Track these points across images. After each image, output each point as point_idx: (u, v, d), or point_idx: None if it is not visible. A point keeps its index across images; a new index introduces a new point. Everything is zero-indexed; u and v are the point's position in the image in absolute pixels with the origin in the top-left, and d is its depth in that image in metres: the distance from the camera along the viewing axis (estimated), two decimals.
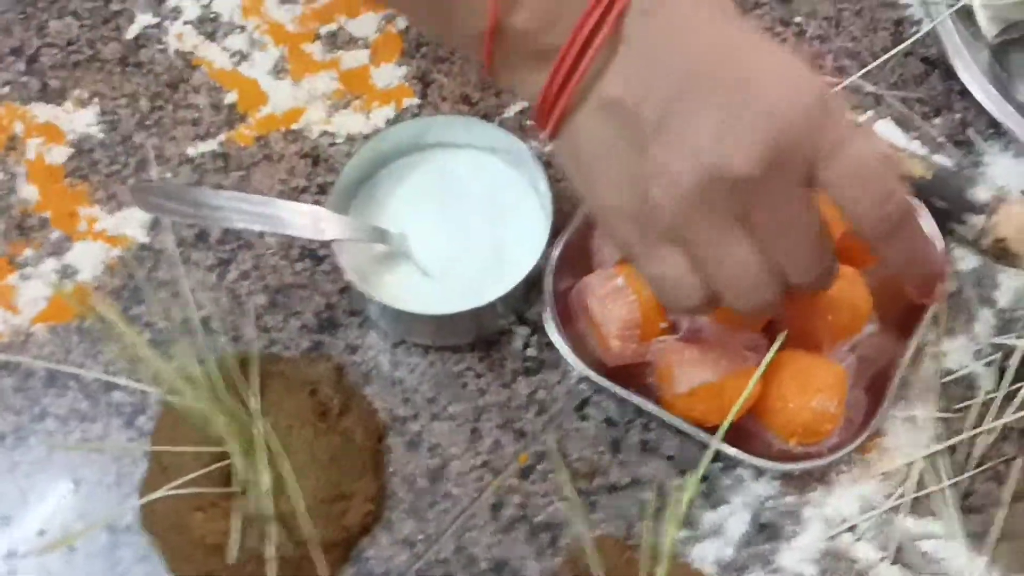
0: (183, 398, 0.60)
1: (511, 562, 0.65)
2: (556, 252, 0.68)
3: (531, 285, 0.68)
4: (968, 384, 0.68)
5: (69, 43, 0.81)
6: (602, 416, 0.68)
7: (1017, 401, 0.65)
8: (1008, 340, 0.67)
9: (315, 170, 0.76)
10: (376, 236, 0.69)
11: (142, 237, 0.74)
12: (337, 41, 0.80)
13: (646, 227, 0.53)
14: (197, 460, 0.63)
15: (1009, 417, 0.65)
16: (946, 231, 0.71)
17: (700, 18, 0.51)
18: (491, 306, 0.67)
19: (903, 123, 0.76)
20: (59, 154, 0.77)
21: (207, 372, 0.63)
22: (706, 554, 0.64)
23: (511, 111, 0.77)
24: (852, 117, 0.53)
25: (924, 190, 0.70)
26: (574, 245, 0.69)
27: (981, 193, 0.70)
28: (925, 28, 0.78)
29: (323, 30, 0.81)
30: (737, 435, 0.64)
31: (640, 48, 0.50)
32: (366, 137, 0.77)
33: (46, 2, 0.82)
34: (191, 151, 0.77)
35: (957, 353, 0.69)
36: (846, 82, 0.77)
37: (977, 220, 0.70)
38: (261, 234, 0.73)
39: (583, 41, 0.51)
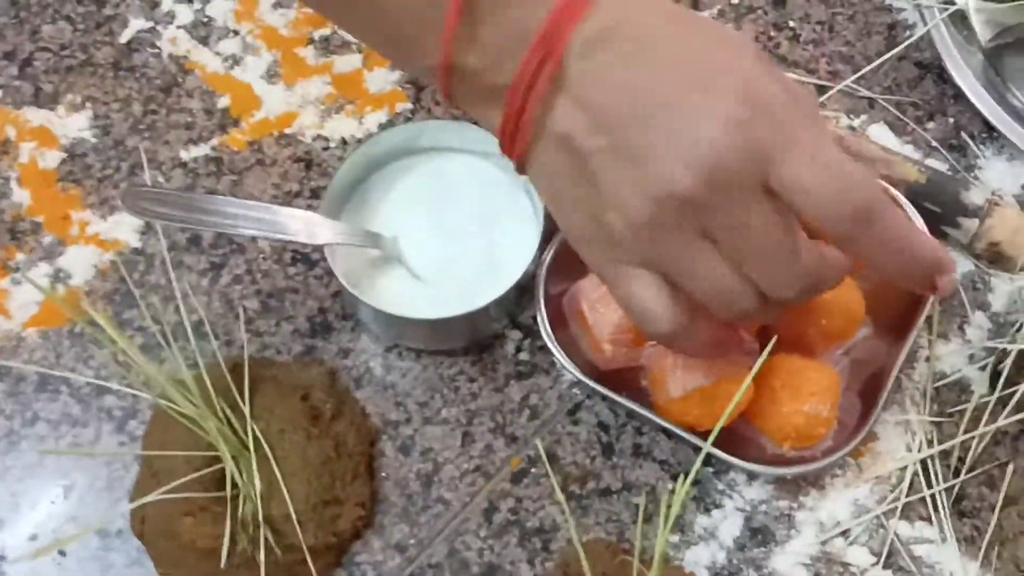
0: (175, 403, 0.60)
1: (503, 567, 0.64)
2: (548, 256, 0.68)
3: (524, 289, 0.68)
4: (961, 388, 0.68)
5: (62, 47, 0.81)
6: (595, 420, 0.68)
7: (1011, 406, 0.65)
8: (1001, 344, 0.67)
9: (308, 174, 0.76)
10: (369, 240, 0.69)
11: (135, 241, 0.74)
12: (330, 45, 0.80)
13: (611, 253, 0.53)
14: (188, 465, 0.63)
15: (1002, 422, 0.65)
16: (940, 235, 0.71)
17: (642, 44, 0.51)
18: (484, 310, 0.66)
19: (897, 127, 0.76)
20: (52, 158, 0.77)
21: (199, 377, 0.63)
22: (699, 558, 0.64)
23: None
24: (810, 114, 0.51)
25: (918, 194, 0.70)
26: (566, 249, 0.68)
27: (975, 197, 0.70)
28: (919, 32, 0.78)
29: (316, 34, 0.81)
30: (730, 439, 0.64)
31: (582, 83, 0.51)
32: (359, 141, 0.77)
33: (39, 6, 0.82)
34: (184, 155, 0.77)
35: (951, 357, 0.69)
36: (840, 86, 0.77)
37: (971, 224, 0.70)
38: (254, 238, 0.73)
39: (528, 80, 0.51)
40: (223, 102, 0.79)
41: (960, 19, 0.78)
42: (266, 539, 0.62)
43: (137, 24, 0.81)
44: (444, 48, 0.52)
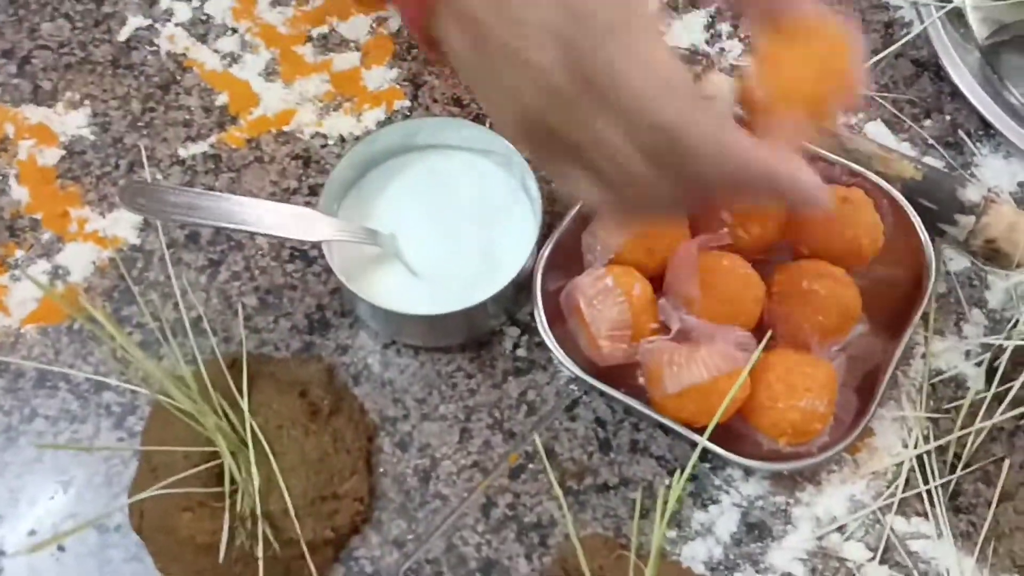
0: (173, 399, 0.60)
1: (501, 562, 0.65)
2: (546, 253, 0.68)
3: (521, 286, 0.68)
4: (957, 384, 0.68)
5: (61, 45, 0.81)
6: (592, 416, 0.68)
7: (1006, 402, 0.65)
8: (997, 340, 0.67)
9: (306, 171, 0.76)
10: (367, 237, 0.69)
11: (133, 238, 0.74)
12: (328, 43, 0.81)
13: (519, 134, 0.53)
14: (187, 460, 0.63)
15: (998, 418, 0.65)
16: (936, 232, 0.71)
17: None
18: (481, 307, 0.67)
19: (894, 125, 0.77)
20: (51, 156, 0.77)
21: (197, 373, 0.63)
22: (696, 553, 0.65)
23: None
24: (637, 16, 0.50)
25: (914, 191, 0.70)
26: (564, 246, 0.69)
27: (971, 194, 0.71)
28: (916, 30, 0.78)
29: (315, 32, 0.81)
30: (727, 436, 0.64)
31: None
32: (357, 138, 0.77)
33: (38, 4, 0.82)
34: (182, 152, 0.77)
35: (947, 354, 0.69)
36: None
37: (967, 221, 0.70)
38: (252, 235, 0.73)
39: None
40: (221, 100, 0.79)
41: (957, 17, 0.78)
42: (264, 534, 0.62)
43: (135, 22, 0.82)
44: None
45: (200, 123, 0.78)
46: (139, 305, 0.71)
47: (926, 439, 0.66)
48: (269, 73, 0.80)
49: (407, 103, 0.78)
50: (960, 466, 0.66)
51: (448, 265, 0.70)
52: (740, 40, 0.79)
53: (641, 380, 0.67)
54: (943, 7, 0.77)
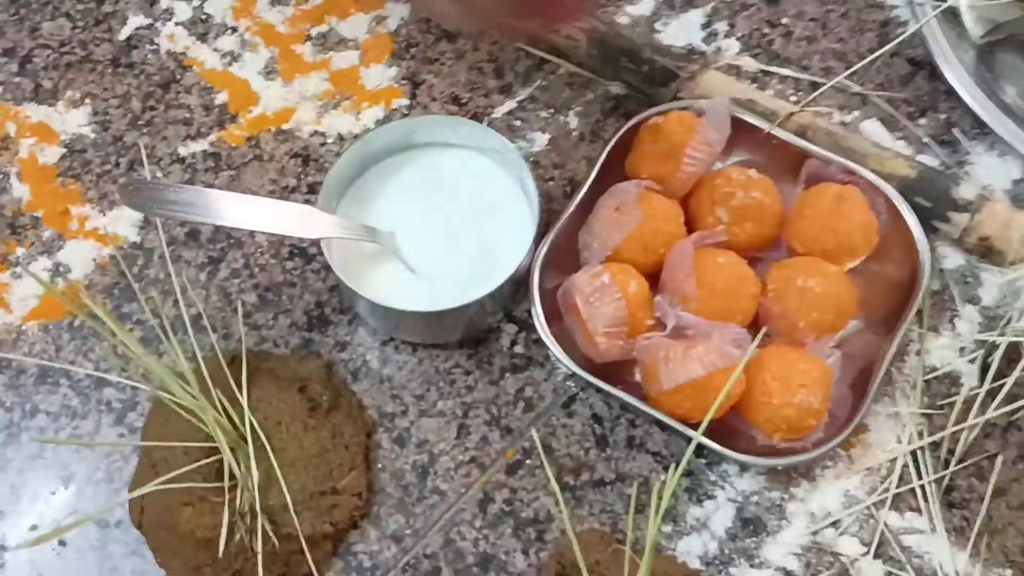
0: (174, 395, 0.61)
1: (498, 556, 0.65)
2: (543, 250, 0.69)
3: (518, 283, 0.69)
4: (952, 381, 0.69)
5: (62, 44, 0.81)
6: (589, 412, 0.69)
7: (999, 398, 0.65)
8: (991, 337, 0.68)
9: (305, 169, 0.77)
10: (365, 234, 0.69)
11: (133, 236, 0.75)
12: (328, 42, 0.81)
13: None
14: (187, 456, 0.63)
15: (991, 414, 0.65)
16: (930, 229, 0.71)
17: None
18: (479, 303, 0.67)
19: (889, 123, 0.77)
20: (51, 154, 0.78)
21: (197, 369, 0.64)
22: (691, 548, 0.65)
23: (500, 111, 0.78)
24: None
25: (908, 189, 0.71)
26: (561, 243, 0.70)
27: (965, 192, 0.71)
28: (911, 29, 0.79)
29: (314, 31, 0.82)
30: (723, 431, 0.65)
31: None
32: (356, 137, 0.78)
33: (39, 4, 0.83)
34: (182, 151, 0.77)
35: (941, 350, 0.70)
36: (832, 82, 0.77)
37: (961, 219, 0.71)
38: (251, 233, 0.74)
39: None
40: (221, 98, 0.79)
41: (952, 16, 0.79)
42: (263, 529, 0.62)
43: (136, 21, 0.82)
44: None
45: (200, 121, 0.79)
46: (139, 302, 0.72)
47: (920, 435, 0.67)
48: (268, 72, 0.80)
49: (406, 101, 0.79)
50: (954, 462, 0.66)
51: (446, 262, 0.70)
52: (737, 39, 0.80)
53: (638, 377, 0.68)
54: (939, 6, 0.77)
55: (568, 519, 0.58)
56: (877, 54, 0.79)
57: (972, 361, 0.69)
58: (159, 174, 0.77)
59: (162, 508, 0.64)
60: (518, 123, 0.78)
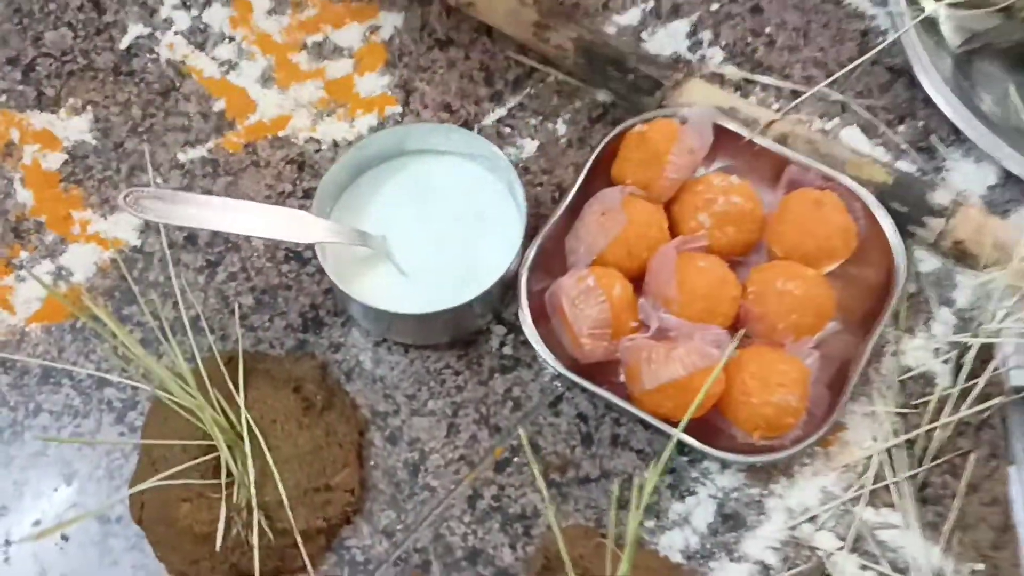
0: (173, 394, 0.63)
1: (486, 551, 0.67)
2: (531, 254, 0.71)
3: (507, 286, 0.71)
4: (926, 381, 0.71)
5: (64, 53, 0.83)
6: (575, 412, 0.71)
7: (972, 397, 0.68)
8: (964, 338, 0.70)
9: (301, 175, 0.79)
10: (358, 239, 0.71)
11: (134, 240, 0.77)
12: (323, 51, 0.83)
13: None
14: (185, 453, 0.65)
15: (964, 412, 0.68)
16: (907, 234, 0.73)
17: None
18: (468, 306, 0.69)
19: (868, 130, 0.79)
20: (54, 160, 0.80)
21: (196, 369, 0.66)
22: (673, 542, 0.67)
23: (490, 118, 0.80)
24: None
25: (885, 195, 0.73)
26: (548, 247, 0.72)
27: (940, 197, 0.73)
28: (890, 38, 0.81)
29: (309, 40, 0.84)
30: (705, 430, 0.67)
31: None
32: (350, 143, 0.80)
33: (42, 13, 0.85)
34: (181, 157, 0.80)
35: (917, 351, 0.72)
36: (813, 90, 0.79)
37: (936, 223, 0.73)
38: (248, 237, 0.76)
39: None
40: (219, 106, 0.81)
41: (931, 25, 0.81)
42: (259, 524, 0.64)
43: (136, 30, 0.84)
44: None
45: (198, 128, 0.81)
46: (139, 304, 0.74)
47: (895, 433, 0.69)
48: (265, 80, 0.82)
49: (398, 109, 0.81)
50: (928, 459, 0.68)
51: (437, 266, 0.72)
52: (721, 48, 0.82)
53: (623, 377, 0.70)
54: (917, 16, 0.79)
55: (552, 515, 0.61)
56: (857, 63, 0.81)
57: (946, 362, 0.71)
58: (159, 180, 0.79)
59: (161, 504, 0.66)
60: (508, 130, 0.80)
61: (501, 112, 0.80)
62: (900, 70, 0.81)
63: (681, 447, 0.68)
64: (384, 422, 0.71)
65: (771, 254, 0.73)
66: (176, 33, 0.84)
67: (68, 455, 0.71)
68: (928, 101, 0.78)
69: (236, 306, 0.74)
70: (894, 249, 0.71)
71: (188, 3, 0.85)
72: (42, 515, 0.69)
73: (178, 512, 0.65)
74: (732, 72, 0.81)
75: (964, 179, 0.77)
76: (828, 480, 0.69)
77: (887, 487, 0.68)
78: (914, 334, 0.72)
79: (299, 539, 0.65)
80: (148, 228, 0.77)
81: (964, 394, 0.68)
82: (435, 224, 0.73)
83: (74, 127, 0.81)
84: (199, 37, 0.84)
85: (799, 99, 0.79)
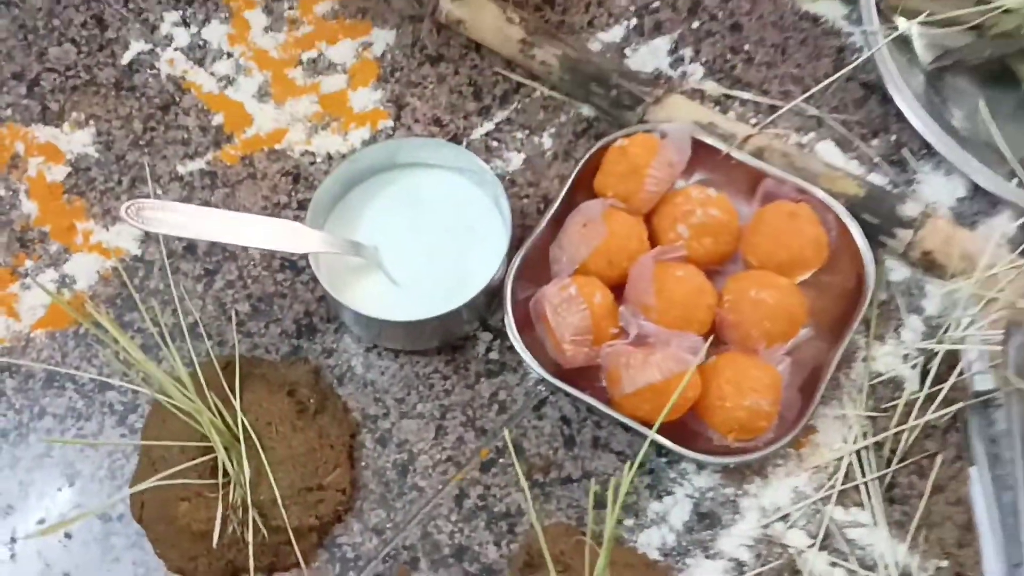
0: (172, 398, 0.65)
1: (472, 548, 0.70)
2: (516, 263, 0.74)
3: (493, 294, 0.74)
4: (895, 385, 0.74)
5: (67, 68, 0.86)
6: (558, 415, 0.74)
7: (938, 401, 0.70)
8: (931, 345, 0.73)
9: (296, 187, 0.82)
10: (350, 249, 0.74)
11: (135, 249, 0.80)
12: (317, 67, 0.86)
13: None
14: (184, 454, 0.68)
15: (930, 415, 0.70)
16: (878, 244, 0.76)
17: None
18: (456, 313, 0.72)
19: (843, 144, 0.82)
20: (58, 172, 0.83)
21: (194, 374, 0.69)
22: (651, 540, 0.70)
23: (478, 132, 0.83)
24: None
25: (857, 207, 0.76)
26: (533, 257, 0.75)
27: (909, 210, 0.76)
28: (865, 55, 0.83)
29: (304, 56, 0.86)
30: (682, 432, 0.70)
31: None
32: (343, 156, 0.82)
33: (46, 29, 0.88)
34: (181, 169, 0.82)
35: (886, 357, 0.75)
36: (790, 105, 0.82)
37: (906, 234, 0.76)
38: (245, 247, 0.79)
39: None
40: (217, 119, 0.84)
41: (904, 43, 0.83)
42: (254, 522, 0.67)
43: (137, 46, 0.87)
44: None
45: (197, 142, 0.84)
46: (140, 311, 0.76)
47: (865, 436, 0.72)
48: (262, 95, 0.85)
49: (390, 123, 0.84)
50: (896, 460, 0.71)
51: (426, 275, 0.75)
52: (701, 64, 0.85)
53: (603, 381, 0.72)
54: (891, 34, 0.82)
55: (534, 513, 0.63)
56: (832, 79, 0.84)
57: (914, 367, 0.74)
58: (159, 191, 0.82)
59: (161, 503, 0.69)
60: (495, 143, 0.83)
61: (489, 126, 0.83)
62: (874, 86, 0.83)
63: (660, 449, 0.71)
64: (375, 424, 0.74)
65: (747, 264, 0.75)
66: (176, 49, 0.87)
67: (71, 456, 0.74)
68: (900, 116, 0.81)
69: (233, 313, 0.77)
70: (864, 259, 0.73)
71: (188, 20, 0.88)
72: (46, 513, 0.72)
73: (177, 511, 0.68)
74: (712, 88, 0.84)
75: (934, 191, 0.80)
76: (800, 480, 0.71)
77: (856, 487, 0.71)
78: (884, 340, 0.75)
79: (292, 536, 0.68)
80: (148, 238, 0.80)
81: (930, 398, 0.71)
82: (425, 235, 0.76)
83: (77, 140, 0.84)
84: (198, 53, 0.87)
85: (776, 114, 0.82)
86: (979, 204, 0.79)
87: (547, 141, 0.83)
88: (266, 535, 0.68)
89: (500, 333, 0.76)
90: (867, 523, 0.70)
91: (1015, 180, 0.77)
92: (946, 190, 0.80)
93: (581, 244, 0.74)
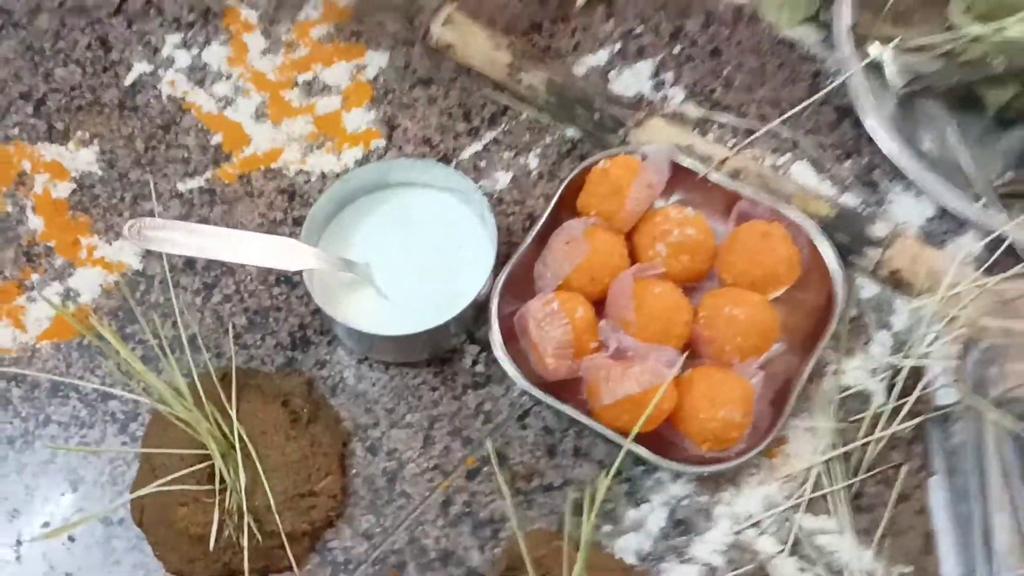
0: (171, 407, 0.68)
1: (457, 552, 0.73)
2: (501, 279, 0.77)
3: (479, 309, 0.77)
4: (864, 399, 0.77)
5: (72, 89, 0.90)
6: (540, 425, 0.77)
7: (903, 414, 0.74)
8: (897, 360, 0.76)
9: (291, 205, 0.85)
10: (343, 266, 0.77)
11: (136, 264, 0.83)
12: (313, 89, 0.89)
13: None
14: (182, 461, 0.71)
15: (895, 428, 0.74)
16: (848, 263, 0.79)
17: None
18: (443, 327, 0.75)
19: (817, 165, 0.85)
20: (63, 189, 0.86)
21: (192, 384, 0.72)
22: (628, 545, 0.73)
23: (467, 152, 0.86)
24: None
25: (829, 227, 0.79)
26: (518, 273, 0.78)
27: (878, 229, 0.79)
28: (838, 80, 0.86)
29: (300, 79, 0.90)
30: (660, 443, 0.73)
31: None
32: (337, 175, 0.86)
33: (52, 51, 0.91)
34: (181, 187, 0.86)
35: (855, 371, 0.78)
36: (766, 128, 0.86)
37: (875, 253, 0.79)
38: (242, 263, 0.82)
39: None
40: (216, 139, 0.88)
41: (876, 69, 0.87)
42: (249, 526, 0.70)
43: (140, 68, 0.90)
44: None
45: (197, 160, 0.87)
46: (141, 324, 0.79)
47: (833, 447, 0.75)
48: (259, 115, 0.89)
49: (382, 143, 0.87)
50: (862, 471, 0.74)
51: (415, 290, 0.78)
52: (682, 88, 0.88)
53: (585, 393, 0.76)
54: (863, 60, 0.85)
55: (515, 519, 0.66)
56: (807, 103, 0.87)
57: (882, 380, 0.77)
58: (160, 208, 0.85)
59: (160, 508, 0.72)
60: (483, 163, 0.86)
61: (478, 147, 0.87)
62: (847, 110, 0.86)
63: (638, 459, 0.74)
64: (365, 434, 0.77)
65: (722, 281, 0.79)
66: (177, 71, 0.90)
67: (75, 462, 0.77)
68: (872, 139, 0.84)
69: (230, 326, 0.80)
70: (834, 277, 0.77)
71: (188, 43, 0.91)
72: (51, 517, 0.75)
73: (176, 515, 0.71)
74: (692, 110, 0.87)
75: (905, 212, 0.83)
76: (771, 489, 0.75)
77: (825, 496, 0.74)
78: (854, 355, 0.78)
79: (285, 540, 0.71)
80: (150, 253, 0.83)
81: (896, 411, 0.74)
82: (414, 252, 0.79)
83: (82, 158, 0.87)
84: (198, 75, 0.90)
85: (753, 136, 0.86)
86: (947, 224, 0.82)
87: (533, 161, 0.86)
88: (260, 539, 0.71)
89: (486, 346, 0.79)
90: (835, 530, 0.73)
91: (981, 202, 0.81)
92: (916, 210, 0.83)
93: (564, 261, 0.77)
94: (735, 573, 0.72)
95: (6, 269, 0.83)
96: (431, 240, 0.80)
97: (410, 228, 0.80)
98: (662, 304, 0.75)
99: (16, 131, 0.88)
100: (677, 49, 0.90)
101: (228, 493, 0.71)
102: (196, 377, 0.73)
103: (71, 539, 0.75)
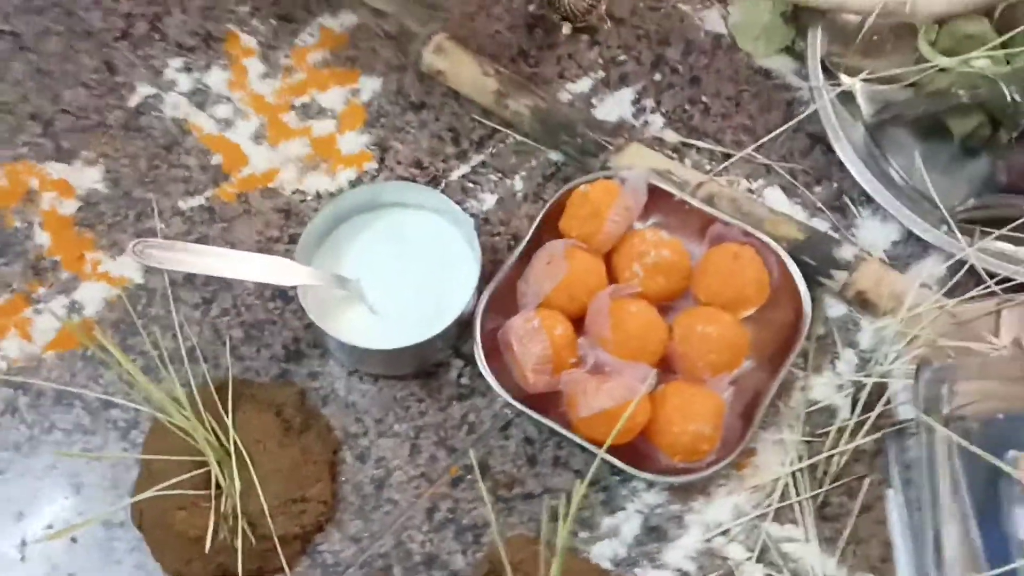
0: (170, 416, 0.71)
1: (441, 556, 0.77)
2: (485, 297, 0.81)
3: (465, 324, 0.81)
4: (830, 413, 0.81)
5: (80, 110, 0.93)
6: (522, 436, 0.81)
7: (866, 427, 0.77)
8: (861, 377, 0.80)
9: (287, 223, 0.89)
10: (335, 282, 0.81)
11: (139, 278, 0.86)
12: (309, 112, 0.93)
13: None
14: (180, 467, 0.74)
15: (859, 441, 0.77)
16: (816, 284, 0.83)
17: None
18: (430, 342, 0.79)
19: (789, 190, 0.89)
20: (69, 206, 0.89)
21: (190, 394, 0.75)
22: (604, 552, 0.77)
23: (456, 174, 0.90)
24: None
25: (797, 249, 0.83)
26: (502, 290, 0.82)
27: (845, 253, 0.83)
28: (811, 108, 0.90)
29: (297, 102, 0.93)
30: (635, 454, 0.77)
31: None
32: (331, 195, 0.89)
33: (61, 74, 0.94)
34: (182, 205, 0.89)
35: (822, 387, 0.82)
36: (742, 153, 0.90)
37: (841, 276, 0.83)
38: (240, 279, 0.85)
39: None
40: (216, 159, 0.91)
41: (848, 97, 0.91)
42: (243, 530, 0.73)
43: (144, 91, 0.94)
44: None
45: (198, 180, 0.90)
46: (142, 336, 0.82)
47: (800, 459, 0.79)
48: (258, 137, 0.92)
49: (375, 165, 0.91)
50: (828, 482, 0.78)
51: (404, 306, 0.82)
52: (661, 114, 0.92)
53: (564, 406, 0.79)
54: (834, 89, 0.89)
55: (495, 525, 0.70)
56: (781, 129, 0.90)
57: (847, 396, 0.81)
58: (162, 225, 0.88)
59: (159, 511, 0.75)
60: (471, 185, 0.90)
61: (466, 169, 0.90)
62: (819, 137, 0.90)
63: (614, 469, 0.78)
64: (355, 442, 0.81)
65: (696, 301, 0.82)
66: (179, 94, 0.93)
67: (78, 467, 0.80)
68: (842, 165, 0.87)
69: (227, 338, 0.84)
70: (803, 298, 0.80)
71: (190, 67, 0.95)
72: (54, 519, 0.79)
73: (174, 518, 0.74)
74: (671, 136, 0.91)
75: (872, 235, 0.87)
76: (740, 499, 0.78)
77: (791, 505, 0.78)
78: (821, 372, 0.82)
79: (278, 544, 0.74)
80: (151, 269, 0.86)
81: (860, 426, 0.78)
82: (403, 269, 0.83)
83: (88, 177, 0.90)
84: (200, 98, 0.93)
85: (728, 161, 0.90)
86: (912, 248, 0.86)
87: (518, 183, 0.90)
88: (254, 542, 0.74)
89: (471, 360, 0.82)
90: (800, 538, 0.77)
91: (944, 227, 0.85)
92: (882, 234, 0.87)
93: (545, 280, 0.81)
94: None
95: (14, 282, 0.86)
96: (419, 258, 0.83)
97: (400, 246, 0.84)
98: (638, 322, 0.79)
99: (25, 150, 0.91)
100: (658, 77, 0.94)
101: (223, 498, 0.74)
102: (194, 387, 0.77)
103: (73, 540, 0.78)
